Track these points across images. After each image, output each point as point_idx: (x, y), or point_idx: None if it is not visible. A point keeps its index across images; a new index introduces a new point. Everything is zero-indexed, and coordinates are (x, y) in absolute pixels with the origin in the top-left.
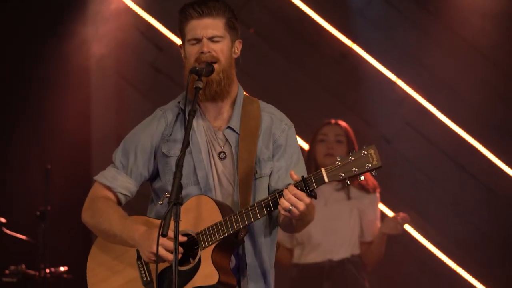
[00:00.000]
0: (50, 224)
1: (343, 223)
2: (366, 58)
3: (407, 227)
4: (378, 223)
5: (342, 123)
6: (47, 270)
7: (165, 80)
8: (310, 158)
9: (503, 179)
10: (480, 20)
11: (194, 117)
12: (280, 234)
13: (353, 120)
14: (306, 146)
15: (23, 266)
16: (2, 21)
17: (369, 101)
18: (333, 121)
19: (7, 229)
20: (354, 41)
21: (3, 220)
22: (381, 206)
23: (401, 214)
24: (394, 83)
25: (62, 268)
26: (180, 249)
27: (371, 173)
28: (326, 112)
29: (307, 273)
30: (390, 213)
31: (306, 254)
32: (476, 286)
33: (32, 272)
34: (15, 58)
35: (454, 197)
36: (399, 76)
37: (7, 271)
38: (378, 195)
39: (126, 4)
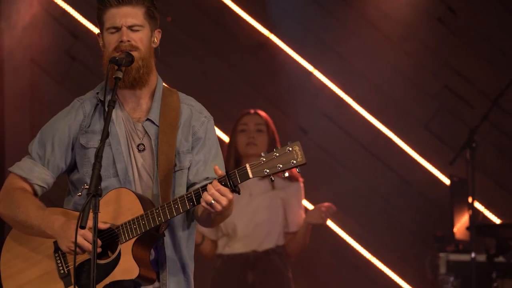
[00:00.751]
0: None
1: (268, 214)
2: (283, 48)
3: (332, 224)
4: (303, 214)
5: (262, 113)
6: None
7: (82, 68)
8: (230, 149)
9: (416, 168)
10: (393, 10)
11: (113, 107)
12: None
13: (271, 111)
14: (224, 137)
15: None
16: None
17: (287, 91)
18: (252, 111)
19: None
20: (271, 31)
21: None
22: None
23: (326, 204)
24: (310, 73)
25: None
26: (100, 242)
27: (296, 169)
28: (244, 102)
29: (231, 263)
30: (308, 204)
31: (231, 245)
32: (389, 274)
33: None
34: None
35: (369, 186)
36: (315, 67)
37: None
38: (302, 184)
39: None
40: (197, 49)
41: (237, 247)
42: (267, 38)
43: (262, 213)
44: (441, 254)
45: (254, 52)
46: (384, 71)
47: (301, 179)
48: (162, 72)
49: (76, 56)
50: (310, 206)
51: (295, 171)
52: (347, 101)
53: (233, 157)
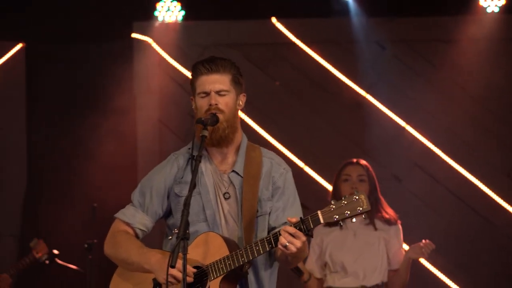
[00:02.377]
0: (96, 255)
1: (374, 251)
2: (378, 107)
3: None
4: (403, 252)
5: (363, 162)
6: None
7: (192, 127)
8: (335, 196)
9: (499, 211)
10: (475, 70)
11: (200, 162)
12: (311, 265)
13: (367, 161)
14: (325, 184)
15: None
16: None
17: (382, 144)
18: (354, 160)
19: (60, 259)
20: (367, 91)
21: (56, 252)
22: None
23: (425, 241)
24: (403, 128)
25: None
26: (190, 279)
27: (362, 216)
28: (344, 154)
29: None
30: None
31: (340, 279)
32: None
33: None
34: (67, 104)
35: (458, 228)
36: (407, 122)
37: None
38: (399, 226)
39: (166, 61)
40: (301, 108)
41: (347, 282)
42: (364, 98)
43: (368, 250)
44: None
45: (353, 110)
46: (468, 125)
47: (399, 222)
48: (269, 128)
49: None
50: (406, 247)
51: (392, 216)
52: (436, 152)
53: None
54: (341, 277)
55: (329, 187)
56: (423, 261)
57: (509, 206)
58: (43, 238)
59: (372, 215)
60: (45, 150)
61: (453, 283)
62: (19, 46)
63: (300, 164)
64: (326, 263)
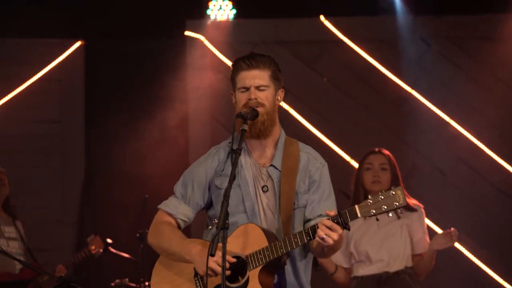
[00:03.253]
0: (148, 244)
1: (396, 239)
2: (423, 102)
3: (459, 246)
4: (427, 237)
5: (385, 151)
6: (146, 283)
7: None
8: (358, 184)
9: None
10: None
11: (239, 155)
12: (337, 256)
13: (412, 155)
14: None
15: (126, 279)
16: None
17: (427, 139)
18: (376, 149)
19: (113, 248)
20: (412, 87)
21: (110, 241)
22: (437, 228)
23: (450, 230)
24: (447, 123)
25: None
26: (229, 266)
27: (398, 211)
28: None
29: (365, 283)
30: None
31: (364, 268)
32: None
33: (133, 285)
34: (123, 98)
35: (498, 221)
36: (451, 117)
37: (112, 284)
38: (422, 210)
39: (218, 57)
40: (348, 103)
41: (371, 269)
42: (409, 94)
43: (391, 239)
44: None
45: (398, 106)
46: (510, 119)
47: (421, 205)
48: (318, 123)
49: None
50: None
51: (412, 203)
52: (479, 146)
53: (362, 192)
54: (366, 266)
55: None
56: (466, 252)
57: None
58: (99, 234)
59: None
60: (102, 143)
61: (494, 273)
62: (78, 43)
63: (347, 158)
64: (352, 253)
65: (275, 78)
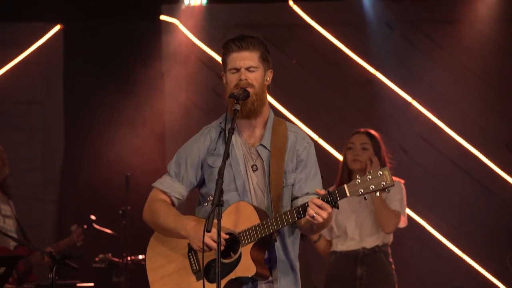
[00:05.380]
0: (130, 221)
1: (374, 217)
2: (386, 83)
3: (421, 221)
4: (403, 213)
5: (371, 131)
6: (128, 258)
7: (224, 102)
8: (343, 164)
9: (499, 181)
10: (477, 49)
11: (232, 134)
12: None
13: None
14: (336, 154)
15: (110, 254)
16: (94, 49)
17: (390, 118)
18: (362, 130)
19: (97, 224)
20: (377, 69)
21: (93, 217)
22: None
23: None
24: (410, 103)
25: (140, 256)
26: (223, 242)
27: (385, 190)
28: (354, 126)
29: (343, 259)
30: (409, 211)
31: (342, 243)
32: (477, 268)
33: (116, 259)
34: (100, 80)
35: (460, 196)
36: (413, 98)
37: (96, 259)
38: (402, 186)
39: (192, 41)
40: (316, 84)
41: (349, 245)
42: (374, 75)
43: (369, 216)
44: None
45: (363, 86)
46: (470, 100)
47: (401, 181)
48: (286, 103)
49: (219, 92)
50: (410, 212)
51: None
52: (439, 125)
53: (346, 171)
54: (344, 242)
55: (340, 158)
56: (428, 227)
57: (506, 175)
58: (82, 227)
59: None
60: (81, 123)
61: (455, 247)
62: (57, 27)
63: (315, 136)
64: (332, 228)
65: (264, 59)
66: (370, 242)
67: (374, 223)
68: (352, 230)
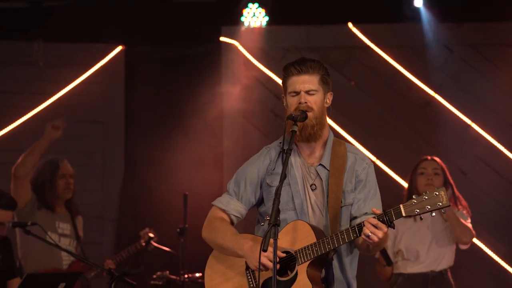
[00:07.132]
0: (188, 239)
1: (443, 240)
2: (445, 105)
3: (480, 243)
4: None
5: (437, 159)
6: (186, 276)
7: (282, 123)
8: (411, 188)
9: None
10: None
11: (290, 155)
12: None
13: (435, 156)
14: (394, 176)
15: (167, 272)
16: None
17: (449, 141)
18: (429, 157)
19: (155, 242)
20: (436, 91)
21: (152, 235)
22: None
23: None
24: (469, 126)
25: (197, 274)
26: (279, 260)
27: (441, 210)
28: (413, 149)
29: (412, 280)
30: None
31: (412, 266)
32: None
33: (174, 277)
34: (161, 101)
35: None
36: (473, 120)
37: (154, 276)
38: (465, 211)
39: (251, 62)
40: (374, 106)
41: (419, 268)
42: (432, 97)
43: (439, 241)
44: None
45: (422, 109)
46: None
47: (466, 210)
48: (344, 124)
49: (278, 113)
50: None
51: (460, 205)
52: (499, 148)
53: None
54: (414, 265)
55: (399, 180)
56: (487, 250)
57: None
58: (140, 229)
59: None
60: (141, 143)
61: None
62: (119, 48)
63: (373, 158)
64: (399, 251)
65: (324, 82)
66: (440, 265)
67: (449, 247)
68: (424, 254)
